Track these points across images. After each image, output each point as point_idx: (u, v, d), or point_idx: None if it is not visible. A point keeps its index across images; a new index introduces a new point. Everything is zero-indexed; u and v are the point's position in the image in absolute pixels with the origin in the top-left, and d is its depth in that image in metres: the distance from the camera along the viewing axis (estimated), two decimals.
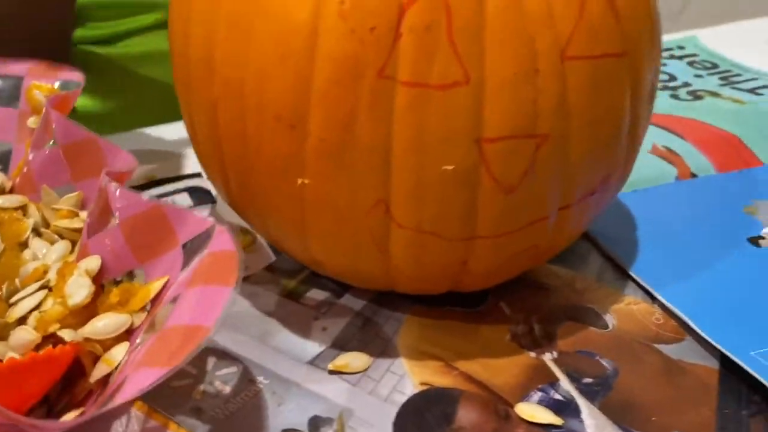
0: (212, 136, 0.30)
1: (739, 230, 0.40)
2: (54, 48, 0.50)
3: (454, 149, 0.26)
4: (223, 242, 0.25)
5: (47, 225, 0.32)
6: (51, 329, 0.26)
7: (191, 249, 0.27)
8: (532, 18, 0.25)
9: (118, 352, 0.25)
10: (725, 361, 0.32)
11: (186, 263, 0.26)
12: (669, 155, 0.47)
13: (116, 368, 0.25)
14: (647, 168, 0.46)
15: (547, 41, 0.26)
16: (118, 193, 0.28)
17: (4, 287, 0.28)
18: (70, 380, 0.27)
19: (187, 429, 0.27)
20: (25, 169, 0.34)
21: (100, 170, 0.30)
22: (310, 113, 0.26)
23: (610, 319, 0.34)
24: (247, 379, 0.30)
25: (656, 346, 0.33)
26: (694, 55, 0.65)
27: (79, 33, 0.56)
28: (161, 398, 0.28)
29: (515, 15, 0.25)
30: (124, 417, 0.27)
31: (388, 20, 0.24)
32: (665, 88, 0.58)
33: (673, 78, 0.60)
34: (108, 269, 0.28)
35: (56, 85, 0.37)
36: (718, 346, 0.32)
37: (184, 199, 0.42)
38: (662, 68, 0.61)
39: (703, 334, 0.32)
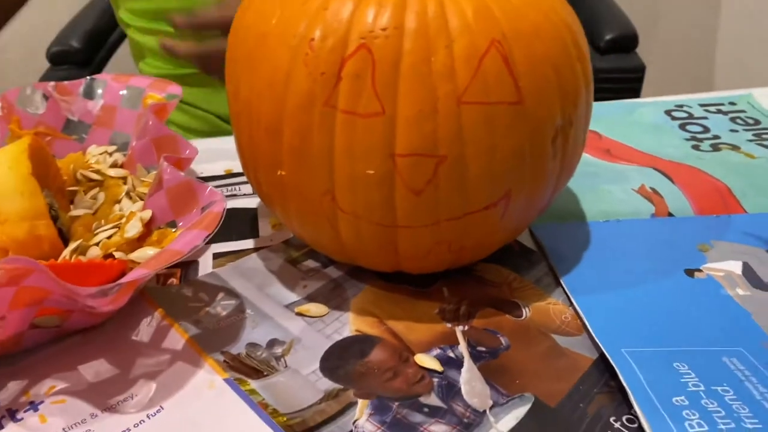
0: (239, 143, 0.43)
1: (682, 263, 0.47)
2: None
3: (374, 159, 0.37)
4: (217, 207, 0.38)
5: (134, 190, 0.47)
6: (110, 251, 0.40)
7: (205, 210, 0.40)
8: (436, 72, 0.36)
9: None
10: (603, 356, 0.39)
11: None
12: (652, 195, 0.54)
13: None
14: (627, 204, 0.53)
15: (446, 89, 0.36)
16: (167, 170, 0.42)
17: (95, 225, 0.43)
18: None
19: (183, 330, 0.40)
20: (129, 152, 0.50)
21: (167, 154, 0.44)
22: (284, 126, 0.38)
23: (526, 312, 0.43)
24: (239, 309, 0.43)
25: (553, 335, 0.41)
26: (741, 111, 0.69)
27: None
28: (176, 309, 0.42)
29: (423, 70, 0.36)
30: (149, 315, 0.41)
31: (333, 68, 0.36)
32: (693, 138, 0.64)
33: (706, 130, 0.65)
34: (156, 219, 0.42)
35: (163, 95, 0.53)
36: (595, 338, 0.39)
37: (248, 188, 0.56)
38: (702, 122, 0.67)
39: (589, 328, 0.40)
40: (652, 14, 1.46)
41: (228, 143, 0.64)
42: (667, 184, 0.55)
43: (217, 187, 0.57)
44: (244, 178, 0.58)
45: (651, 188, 0.55)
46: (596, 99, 0.88)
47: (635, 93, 0.85)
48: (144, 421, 0.35)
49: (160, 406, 0.36)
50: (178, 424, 0.34)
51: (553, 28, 0.39)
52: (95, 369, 0.38)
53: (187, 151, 0.47)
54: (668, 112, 0.69)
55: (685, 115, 0.68)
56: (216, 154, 0.61)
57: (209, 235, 0.36)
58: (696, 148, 0.62)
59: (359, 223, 0.39)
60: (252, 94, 0.39)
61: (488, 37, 0.37)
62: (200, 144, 0.64)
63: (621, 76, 0.84)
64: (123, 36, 1.00)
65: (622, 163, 0.59)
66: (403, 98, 0.36)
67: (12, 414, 0.36)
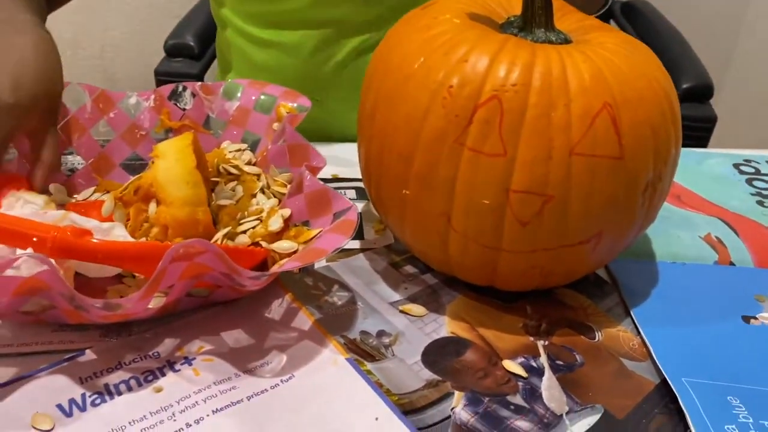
0: (366, 160, 0.50)
1: (740, 309, 0.52)
2: None
3: (491, 191, 0.44)
4: (351, 215, 0.45)
5: (269, 187, 0.55)
6: (256, 239, 0.48)
7: (337, 215, 0.47)
8: (555, 125, 0.42)
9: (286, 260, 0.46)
10: (664, 381, 0.45)
11: (333, 222, 0.47)
12: (717, 244, 0.60)
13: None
14: (694, 249, 0.59)
15: (561, 141, 0.42)
16: (308, 177, 0.49)
17: (238, 215, 0.51)
18: (263, 269, 0.48)
19: (309, 312, 0.47)
20: (264, 153, 0.57)
21: (308, 162, 0.52)
22: (416, 155, 0.45)
23: (599, 335, 0.49)
24: (351, 301, 0.50)
25: (621, 359, 0.47)
26: None
27: None
28: (303, 295, 0.49)
29: (544, 122, 0.42)
30: (281, 297, 0.49)
31: (466, 112, 0.43)
32: (758, 194, 0.69)
33: None
34: (294, 217, 0.50)
35: (294, 105, 0.60)
36: (659, 365, 0.46)
37: (352, 193, 0.64)
38: (767, 178, 0.72)
39: (654, 357, 0.46)
40: (724, 67, 1.50)
41: (336, 150, 0.72)
42: (732, 236, 0.61)
43: None
44: (349, 183, 0.65)
45: (716, 237, 0.61)
46: None
47: (704, 142, 0.90)
48: (278, 385, 0.42)
49: (292, 374, 0.43)
50: (308, 390, 0.42)
51: (655, 95, 0.45)
52: (234, 336, 0.46)
53: (316, 161, 0.54)
54: (736, 166, 0.74)
55: (752, 170, 0.73)
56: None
57: (348, 239, 0.43)
58: (760, 204, 0.67)
59: (467, 243, 0.46)
60: (389, 123, 0.47)
61: (601, 99, 0.43)
62: None
63: (693, 124, 0.89)
64: None
65: (691, 210, 0.65)
66: (523, 144, 0.43)
67: (171, 365, 0.43)
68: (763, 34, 1.52)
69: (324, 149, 0.72)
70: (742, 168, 0.74)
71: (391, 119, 0.47)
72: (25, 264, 0.40)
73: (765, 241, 0.60)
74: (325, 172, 0.66)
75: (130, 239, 0.47)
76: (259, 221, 0.50)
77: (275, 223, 0.48)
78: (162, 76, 0.96)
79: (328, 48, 0.79)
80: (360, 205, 0.62)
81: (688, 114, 0.92)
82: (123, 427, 0.39)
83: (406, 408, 0.41)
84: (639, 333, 0.49)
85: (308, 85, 0.81)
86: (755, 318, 0.52)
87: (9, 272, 0.38)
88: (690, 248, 0.59)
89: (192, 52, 0.98)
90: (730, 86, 1.53)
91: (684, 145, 0.82)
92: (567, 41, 0.48)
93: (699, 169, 0.73)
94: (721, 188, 0.69)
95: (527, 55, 0.44)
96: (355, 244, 0.57)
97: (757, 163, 0.75)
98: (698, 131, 0.90)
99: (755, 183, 0.71)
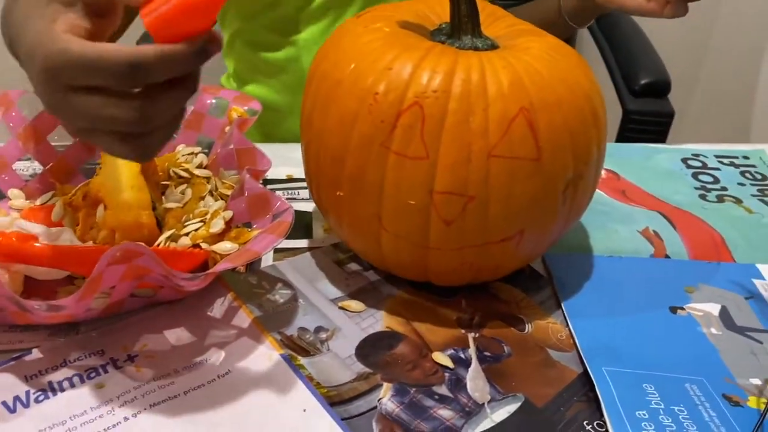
0: (306, 163, 0.52)
1: (668, 300, 0.55)
2: None
3: (416, 193, 0.46)
4: (287, 216, 0.48)
5: (216, 190, 0.57)
6: (197, 241, 0.50)
7: (276, 216, 0.50)
8: (473, 130, 0.45)
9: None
10: (587, 371, 0.48)
11: (271, 223, 0.49)
12: (654, 238, 0.62)
13: None
14: (630, 243, 0.61)
15: (480, 144, 0.45)
16: (248, 179, 0.51)
17: (184, 217, 0.53)
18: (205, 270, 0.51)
19: (249, 310, 0.50)
20: (214, 157, 0.60)
21: (253, 166, 0.54)
22: (347, 158, 0.47)
23: (528, 327, 0.51)
24: (293, 299, 0.52)
25: (548, 349, 0.50)
26: (752, 166, 0.76)
27: None
28: (245, 294, 0.52)
29: (462, 127, 0.45)
30: (222, 297, 0.51)
31: (391, 118, 0.45)
32: (702, 188, 0.71)
33: (716, 181, 0.72)
34: (235, 219, 0.52)
35: (245, 109, 0.62)
36: (582, 355, 0.48)
37: (305, 193, 0.66)
38: (714, 172, 0.74)
39: (579, 348, 0.49)
40: (695, 62, 1.52)
41: (291, 151, 0.74)
42: (669, 230, 0.63)
43: (278, 190, 0.66)
44: (303, 184, 0.67)
45: (654, 231, 0.63)
46: (625, 139, 0.96)
47: (663, 136, 0.93)
48: (215, 380, 0.45)
49: (228, 370, 0.45)
50: (243, 385, 0.44)
51: (575, 99, 0.47)
52: (177, 335, 0.48)
53: (262, 164, 0.56)
54: (684, 160, 0.76)
55: (699, 164, 0.75)
56: (280, 160, 0.70)
57: (281, 240, 0.46)
58: (703, 197, 0.69)
59: (398, 242, 0.48)
60: (324, 127, 0.49)
61: (518, 104, 0.45)
62: (267, 149, 0.73)
63: (651, 119, 0.91)
64: None
65: (633, 205, 0.67)
66: (444, 148, 0.45)
67: (114, 362, 0.46)
68: (735, 29, 1.54)
69: (279, 150, 0.74)
70: (690, 162, 0.76)
71: (326, 123, 0.49)
72: None
73: (701, 235, 0.63)
74: (280, 173, 0.69)
75: (78, 243, 0.49)
76: (202, 223, 0.52)
77: (217, 225, 0.51)
78: None
79: None
80: (311, 205, 0.64)
81: (647, 109, 0.94)
82: (63, 422, 0.41)
83: (334, 400, 0.44)
84: (568, 325, 0.52)
85: None
86: (682, 309, 0.54)
87: None
88: (627, 242, 0.61)
89: None
90: (705, 80, 1.55)
91: (641, 140, 0.85)
92: (494, 47, 0.50)
93: (647, 165, 0.75)
94: (667, 183, 0.71)
95: (449, 62, 0.46)
96: (303, 243, 0.59)
97: (705, 157, 0.77)
98: (657, 125, 0.92)
99: (701, 177, 0.73)
